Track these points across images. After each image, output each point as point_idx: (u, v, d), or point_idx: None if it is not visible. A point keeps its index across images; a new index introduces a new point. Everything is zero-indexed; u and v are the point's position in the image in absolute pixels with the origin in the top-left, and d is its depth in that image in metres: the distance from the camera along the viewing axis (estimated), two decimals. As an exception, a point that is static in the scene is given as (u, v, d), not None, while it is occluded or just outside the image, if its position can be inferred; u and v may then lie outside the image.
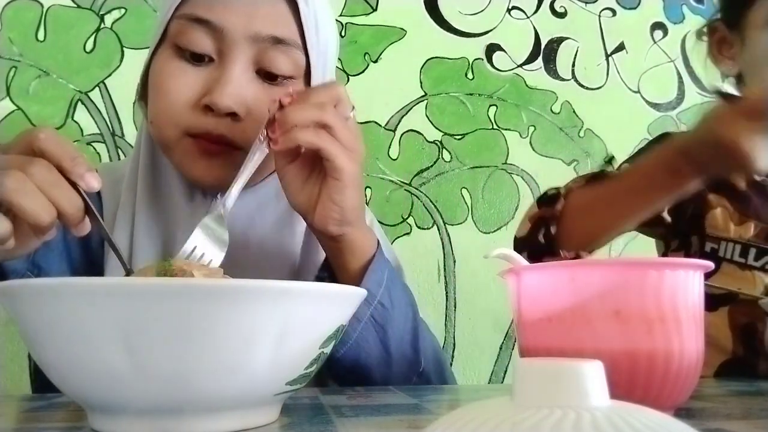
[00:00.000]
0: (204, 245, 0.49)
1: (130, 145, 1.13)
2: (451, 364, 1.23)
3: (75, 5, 1.14)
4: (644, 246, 0.94)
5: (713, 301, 0.77)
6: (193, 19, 0.55)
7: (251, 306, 0.30)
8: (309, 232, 0.61)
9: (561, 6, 1.38)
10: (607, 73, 1.40)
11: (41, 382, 0.62)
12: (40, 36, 1.12)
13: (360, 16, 1.27)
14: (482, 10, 1.33)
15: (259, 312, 0.31)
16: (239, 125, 0.55)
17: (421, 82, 1.29)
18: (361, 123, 1.19)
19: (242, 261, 0.58)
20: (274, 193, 0.61)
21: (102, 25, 1.15)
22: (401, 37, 1.29)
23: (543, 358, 0.26)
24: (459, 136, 1.30)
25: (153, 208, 0.61)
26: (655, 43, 1.43)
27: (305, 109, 0.50)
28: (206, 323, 0.30)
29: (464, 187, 1.29)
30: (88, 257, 0.61)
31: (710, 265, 0.39)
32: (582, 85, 1.38)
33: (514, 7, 1.35)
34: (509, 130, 1.32)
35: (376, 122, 1.26)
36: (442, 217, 1.27)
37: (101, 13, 1.15)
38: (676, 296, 0.37)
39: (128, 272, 0.47)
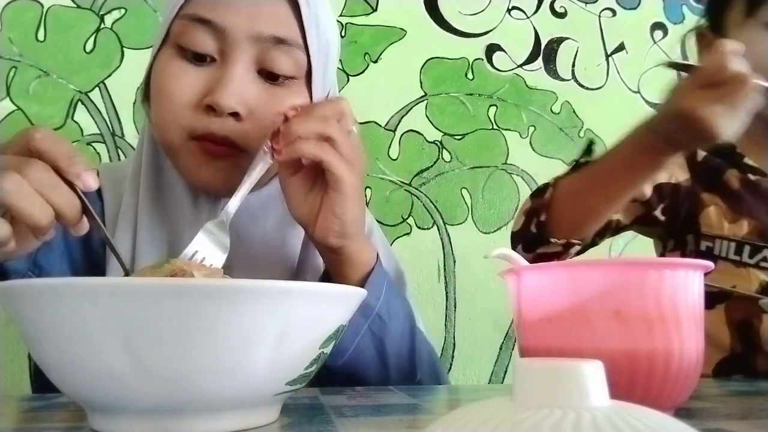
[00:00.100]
0: (205, 249, 0.50)
1: (130, 145, 1.13)
2: (451, 364, 1.23)
3: (75, 5, 1.14)
4: (644, 246, 0.94)
5: (710, 298, 0.77)
6: (196, 19, 0.55)
7: (251, 306, 0.30)
8: None
9: (561, 6, 1.38)
10: (607, 73, 1.40)
11: (41, 382, 0.62)
12: (40, 36, 1.12)
13: (360, 16, 1.27)
14: (482, 10, 1.33)
15: (259, 312, 0.31)
16: (242, 126, 0.55)
17: (421, 82, 1.29)
18: (361, 123, 1.19)
19: (244, 258, 0.58)
20: (278, 194, 0.62)
21: (102, 26, 1.15)
22: (401, 37, 1.29)
23: (543, 358, 0.26)
24: (459, 136, 1.30)
25: (156, 210, 0.61)
26: (655, 43, 1.43)
27: (309, 121, 0.51)
28: (206, 323, 0.30)
29: (464, 187, 1.29)
30: (89, 257, 0.61)
31: (710, 265, 0.39)
32: (582, 86, 1.38)
33: (514, 7, 1.35)
34: (509, 130, 1.32)
35: (376, 122, 1.26)
36: (442, 217, 1.27)
37: (101, 13, 1.15)
38: (676, 296, 0.37)
39: (127, 273, 0.47)
